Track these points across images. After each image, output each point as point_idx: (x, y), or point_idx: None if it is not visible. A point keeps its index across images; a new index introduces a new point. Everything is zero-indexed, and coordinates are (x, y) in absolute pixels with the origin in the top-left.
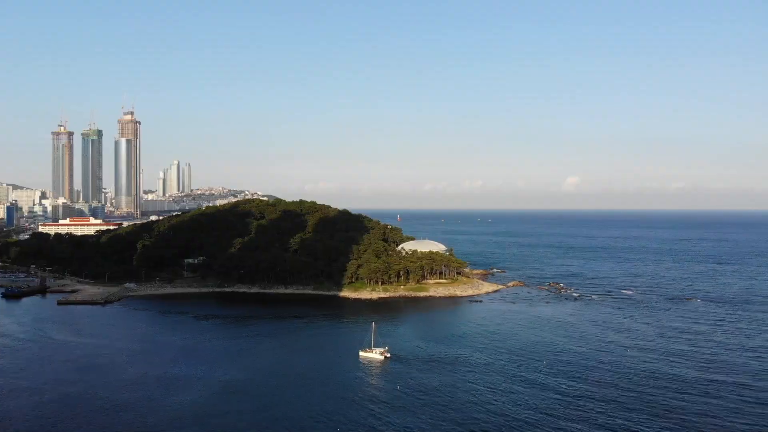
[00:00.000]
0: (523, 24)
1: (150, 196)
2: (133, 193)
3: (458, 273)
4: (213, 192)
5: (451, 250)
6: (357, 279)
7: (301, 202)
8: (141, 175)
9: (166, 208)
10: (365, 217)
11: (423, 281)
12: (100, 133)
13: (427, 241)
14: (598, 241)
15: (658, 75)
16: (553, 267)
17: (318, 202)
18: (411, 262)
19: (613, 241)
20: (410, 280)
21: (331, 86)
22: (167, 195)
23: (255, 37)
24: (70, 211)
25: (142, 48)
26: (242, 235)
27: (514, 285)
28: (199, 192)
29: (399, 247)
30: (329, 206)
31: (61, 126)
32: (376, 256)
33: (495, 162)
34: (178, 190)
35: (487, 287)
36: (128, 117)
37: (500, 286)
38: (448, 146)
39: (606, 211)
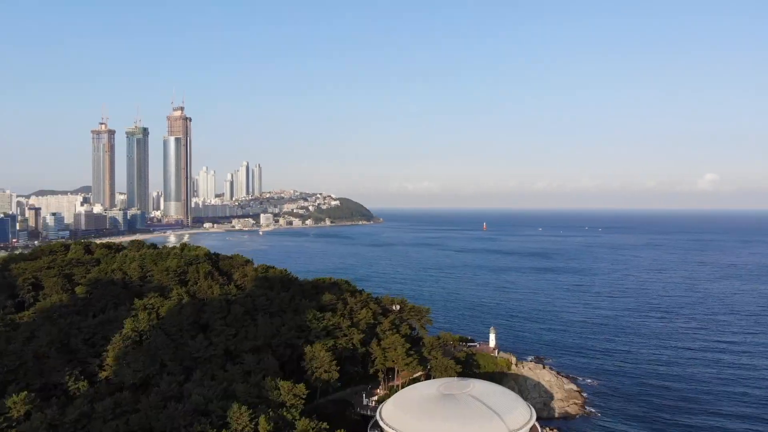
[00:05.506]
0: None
1: (213, 201)
2: (183, 197)
3: None
4: (283, 195)
5: None
6: None
7: (157, 252)
8: (191, 178)
9: (227, 214)
10: (327, 290)
11: None
12: (146, 131)
13: (476, 404)
14: None
15: None
16: None
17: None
18: None
19: None
20: None
21: (438, 88)
22: (234, 199)
23: (348, 38)
24: (96, 221)
25: (208, 44)
26: None
27: None
28: (267, 195)
29: (383, 416)
30: (240, 257)
31: (102, 123)
32: None
33: (617, 159)
34: (247, 194)
35: None
36: (178, 113)
37: None
38: (563, 142)
39: None
